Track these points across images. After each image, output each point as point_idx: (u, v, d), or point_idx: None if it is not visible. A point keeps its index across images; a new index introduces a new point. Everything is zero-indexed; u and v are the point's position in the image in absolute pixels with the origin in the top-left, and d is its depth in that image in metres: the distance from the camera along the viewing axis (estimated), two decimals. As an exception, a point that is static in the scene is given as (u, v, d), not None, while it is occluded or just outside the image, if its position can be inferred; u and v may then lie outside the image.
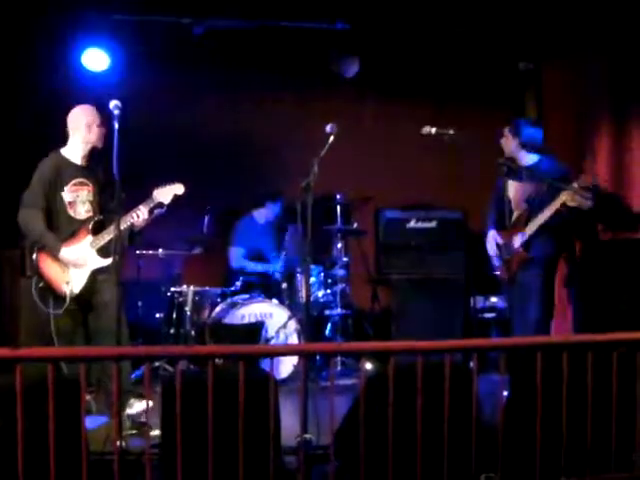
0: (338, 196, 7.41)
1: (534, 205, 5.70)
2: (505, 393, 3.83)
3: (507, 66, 7.64)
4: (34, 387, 3.14)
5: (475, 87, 7.87)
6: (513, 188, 5.79)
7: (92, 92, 6.02)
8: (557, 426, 3.57)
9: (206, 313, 6.77)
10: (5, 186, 6.47)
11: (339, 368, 6.77)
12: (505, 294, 6.11)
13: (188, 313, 6.69)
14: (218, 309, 6.68)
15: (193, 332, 6.65)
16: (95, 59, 6.82)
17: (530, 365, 3.55)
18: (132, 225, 5.26)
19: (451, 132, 5.33)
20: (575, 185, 5.45)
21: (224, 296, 6.85)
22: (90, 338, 5.27)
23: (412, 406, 3.42)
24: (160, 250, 6.83)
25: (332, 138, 4.84)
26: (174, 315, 6.89)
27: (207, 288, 6.84)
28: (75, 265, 5.17)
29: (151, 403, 4.06)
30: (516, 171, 5.77)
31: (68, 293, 5.13)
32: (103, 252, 5.24)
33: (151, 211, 5.33)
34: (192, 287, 6.74)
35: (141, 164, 6.45)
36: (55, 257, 5.13)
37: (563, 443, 3.57)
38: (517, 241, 5.70)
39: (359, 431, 3.39)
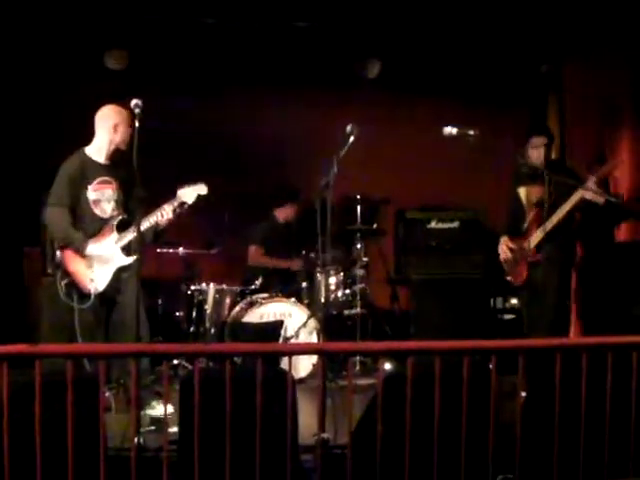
0: (358, 196, 7.40)
1: (547, 208, 5.67)
2: (523, 394, 3.82)
3: (529, 67, 7.61)
4: (55, 383, 3.16)
5: (497, 88, 7.84)
6: (525, 192, 5.79)
7: (113, 91, 6.05)
8: (575, 428, 3.55)
9: (225, 312, 6.78)
10: (26, 185, 6.53)
11: (357, 368, 6.77)
12: (521, 297, 6.08)
13: (208, 311, 6.71)
14: (237, 308, 6.69)
15: (212, 330, 6.67)
16: (116, 58, 6.84)
17: (548, 366, 3.53)
18: (156, 224, 5.30)
19: (472, 132, 5.32)
20: (590, 182, 5.44)
21: (244, 295, 6.85)
22: (110, 334, 5.32)
23: (430, 406, 3.42)
24: (180, 249, 6.87)
25: (352, 138, 4.84)
26: (194, 313, 6.91)
27: (227, 287, 6.85)
28: (100, 262, 5.21)
29: (171, 409, 4.10)
30: (536, 174, 5.74)
31: (93, 290, 5.18)
32: (127, 250, 5.28)
33: (174, 210, 5.37)
34: (212, 285, 6.75)
35: (161, 163, 6.49)
36: (80, 254, 5.18)
37: (581, 445, 3.55)
38: (529, 244, 5.69)
39: (376, 431, 3.39)
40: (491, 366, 3.56)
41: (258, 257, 7.27)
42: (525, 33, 7.23)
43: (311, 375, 6.38)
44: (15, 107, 6.81)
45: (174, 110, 7.31)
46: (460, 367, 3.43)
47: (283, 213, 7.45)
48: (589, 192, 5.44)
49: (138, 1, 6.70)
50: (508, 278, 5.97)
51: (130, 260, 5.26)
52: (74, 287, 5.19)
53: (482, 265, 7.40)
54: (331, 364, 6.17)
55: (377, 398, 3.47)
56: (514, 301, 7.22)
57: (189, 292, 6.96)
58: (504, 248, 5.93)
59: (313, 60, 7.58)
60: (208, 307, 6.71)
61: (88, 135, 5.39)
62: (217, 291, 6.78)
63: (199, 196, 5.43)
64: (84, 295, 5.19)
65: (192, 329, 6.89)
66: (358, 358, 6.77)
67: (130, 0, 6.66)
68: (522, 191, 5.85)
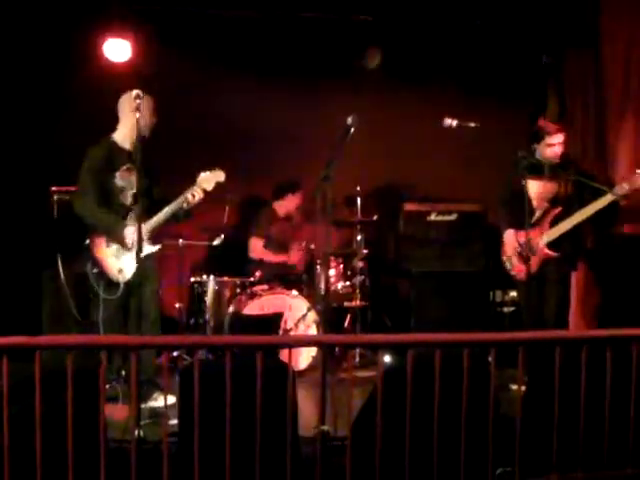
0: (358, 188, 7.39)
1: (560, 204, 5.65)
2: (523, 387, 3.82)
3: (529, 58, 7.59)
4: (57, 374, 3.16)
5: (496, 80, 7.82)
6: (535, 186, 5.73)
7: (113, 82, 6.04)
8: (575, 420, 3.56)
9: (225, 304, 6.79)
10: (30, 178, 6.51)
11: (357, 360, 6.77)
12: (521, 291, 6.04)
13: (207, 303, 6.71)
14: (237, 300, 6.69)
15: (212, 322, 6.67)
16: (116, 49, 6.82)
17: (548, 359, 3.53)
18: (180, 209, 5.30)
19: (472, 124, 5.30)
20: (617, 190, 5.43)
21: (244, 287, 6.85)
22: (129, 324, 5.29)
23: (430, 399, 3.42)
24: (180, 240, 6.86)
25: (353, 130, 4.83)
26: (194, 305, 6.92)
27: (227, 279, 6.85)
28: (127, 250, 5.21)
29: (173, 399, 4.11)
30: (538, 167, 5.70)
31: (121, 279, 5.19)
32: (152, 239, 5.29)
33: (195, 196, 5.36)
34: (212, 277, 6.76)
35: (159, 153, 6.48)
36: (110, 241, 5.20)
37: (580, 437, 3.56)
38: (542, 240, 5.66)
39: (376, 423, 3.39)
40: (490, 359, 3.57)
41: (259, 250, 7.27)
42: (526, 23, 7.22)
43: (311, 367, 6.38)
44: (16, 96, 6.80)
45: (175, 101, 7.28)
46: (460, 360, 3.43)
47: (284, 205, 7.45)
48: (615, 198, 5.44)
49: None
50: (512, 272, 5.92)
51: (155, 248, 5.28)
52: (102, 276, 5.20)
53: (481, 258, 7.39)
54: (331, 356, 6.19)
55: (377, 390, 3.47)
56: (513, 294, 7.21)
57: (189, 284, 6.97)
58: (514, 245, 5.83)
59: (313, 50, 7.56)
60: (208, 299, 6.72)
61: (92, 124, 5.40)
62: (217, 283, 6.78)
63: (217, 183, 5.42)
64: (112, 284, 5.21)
65: (192, 321, 6.90)
66: (358, 350, 6.77)
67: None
68: (531, 184, 5.73)
